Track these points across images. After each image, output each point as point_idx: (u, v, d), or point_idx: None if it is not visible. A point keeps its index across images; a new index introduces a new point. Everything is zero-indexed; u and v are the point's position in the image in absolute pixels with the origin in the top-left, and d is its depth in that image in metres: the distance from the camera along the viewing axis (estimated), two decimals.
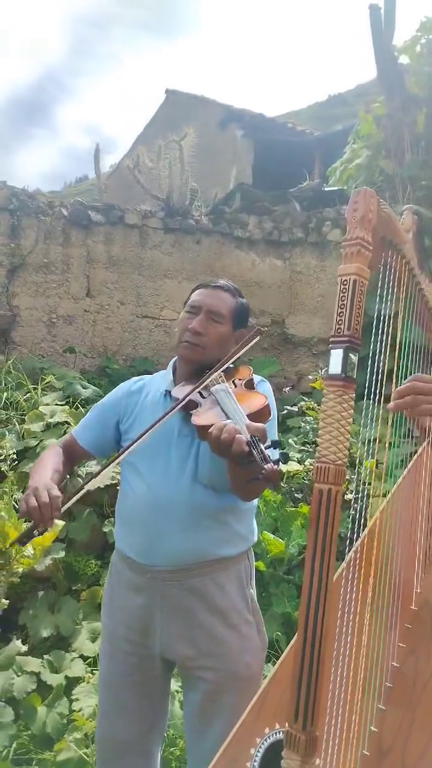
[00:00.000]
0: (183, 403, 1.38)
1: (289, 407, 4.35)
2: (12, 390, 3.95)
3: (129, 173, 5.77)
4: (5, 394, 3.87)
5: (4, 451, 2.81)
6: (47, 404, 3.72)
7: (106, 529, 3.11)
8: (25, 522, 2.75)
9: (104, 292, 5.09)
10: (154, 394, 1.59)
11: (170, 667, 1.55)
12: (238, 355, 1.45)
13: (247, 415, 1.25)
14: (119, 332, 5.17)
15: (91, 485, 1.39)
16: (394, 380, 1.13)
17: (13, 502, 2.67)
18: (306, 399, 4.65)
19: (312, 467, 3.20)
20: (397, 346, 1.12)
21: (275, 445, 1.17)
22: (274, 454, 1.16)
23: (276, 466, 1.12)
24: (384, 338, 1.08)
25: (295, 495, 3.48)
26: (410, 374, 1.30)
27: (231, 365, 1.50)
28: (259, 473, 1.14)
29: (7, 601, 2.41)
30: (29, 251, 4.76)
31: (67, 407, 3.73)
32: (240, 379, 1.46)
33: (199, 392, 1.41)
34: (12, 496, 2.68)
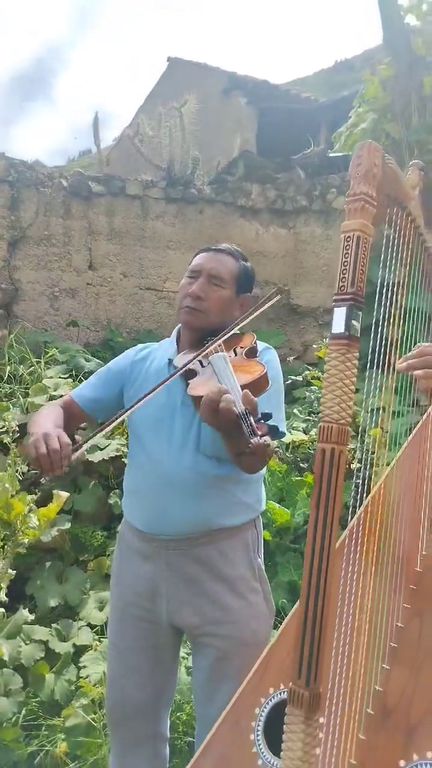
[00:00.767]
0: (180, 372, 1.36)
1: (293, 377, 4.33)
2: (15, 364, 3.94)
3: (131, 145, 5.67)
4: (9, 367, 3.87)
5: (7, 423, 2.81)
6: (51, 377, 3.72)
7: (111, 501, 3.12)
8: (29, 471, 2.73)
9: (107, 265, 5.05)
10: (159, 362, 1.57)
11: (179, 634, 1.56)
12: (245, 322, 1.42)
13: (242, 386, 1.21)
14: (122, 305, 5.14)
15: (98, 438, 1.35)
16: (395, 349, 1.10)
17: (18, 475, 2.67)
18: (311, 369, 4.62)
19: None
20: (400, 313, 1.09)
21: (266, 417, 1.15)
22: (263, 427, 1.13)
23: (264, 440, 1.09)
24: (389, 304, 1.06)
25: (301, 465, 3.48)
26: (417, 342, 1.28)
27: (238, 331, 1.47)
28: (245, 447, 1.11)
29: (14, 571, 2.43)
30: (29, 224, 4.70)
31: (70, 380, 3.73)
32: (241, 347, 1.43)
33: (200, 361, 1.38)
34: (16, 469, 2.69)
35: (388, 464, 1.32)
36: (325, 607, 0.82)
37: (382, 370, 1.13)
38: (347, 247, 0.92)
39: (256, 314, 1.43)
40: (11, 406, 3.41)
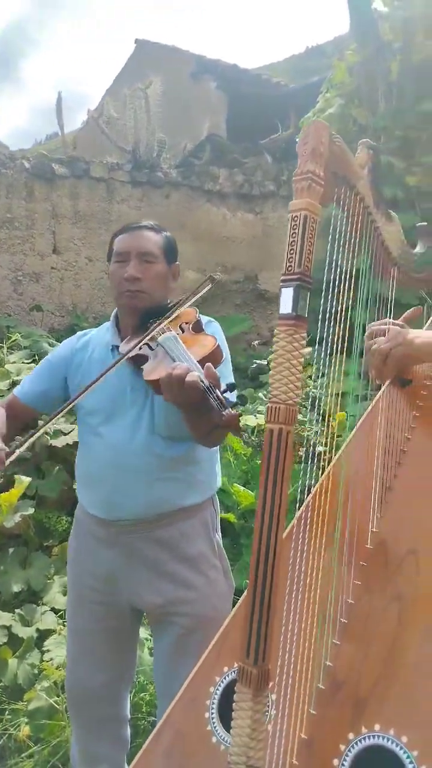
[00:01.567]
0: (126, 357, 1.35)
1: (259, 362, 4.35)
2: None
3: (97, 127, 5.58)
4: None
5: None
6: (13, 362, 3.67)
7: (76, 486, 3.10)
8: None
9: (71, 249, 4.98)
10: (102, 349, 1.55)
11: (138, 616, 1.57)
12: (186, 306, 1.42)
13: (198, 361, 1.22)
14: (88, 289, 5.08)
15: (34, 438, 1.35)
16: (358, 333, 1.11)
17: None
18: None
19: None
20: (356, 297, 1.10)
21: (231, 387, 1.15)
22: (232, 397, 1.14)
23: (235, 411, 1.11)
24: (346, 288, 1.06)
25: None
26: (371, 321, 1.30)
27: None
28: (219, 420, 1.11)
29: None
30: None
31: (33, 365, 3.68)
32: (187, 323, 1.41)
33: (147, 345, 1.37)
34: None
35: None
36: (273, 586, 0.83)
37: (338, 353, 1.14)
38: (294, 227, 0.91)
39: (191, 301, 1.43)
40: None
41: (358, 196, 1.03)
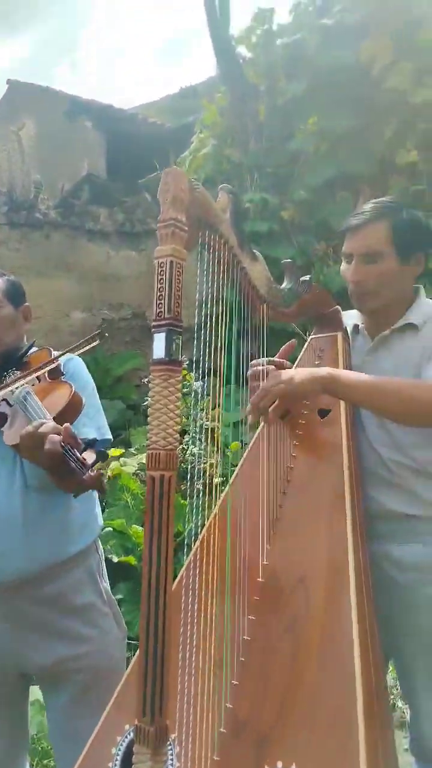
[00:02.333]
0: None
1: (149, 397, 4.32)
2: None
3: None
4: None
5: None
6: None
7: None
8: None
9: None
10: None
11: (27, 679, 1.49)
12: (57, 363, 1.38)
13: (55, 417, 1.16)
14: None
15: None
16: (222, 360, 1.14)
17: None
18: None
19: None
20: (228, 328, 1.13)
21: (91, 444, 1.12)
22: (91, 456, 1.10)
23: (97, 472, 1.08)
24: (233, 323, 1.09)
25: None
26: (246, 354, 1.34)
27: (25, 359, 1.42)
28: (79, 482, 1.08)
29: None
30: None
31: None
32: (42, 369, 1.35)
33: (6, 401, 1.31)
34: None
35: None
36: (166, 641, 0.81)
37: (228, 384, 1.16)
38: (161, 273, 0.93)
39: (76, 353, 1.40)
40: None
41: (222, 239, 1.07)
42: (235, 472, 1.35)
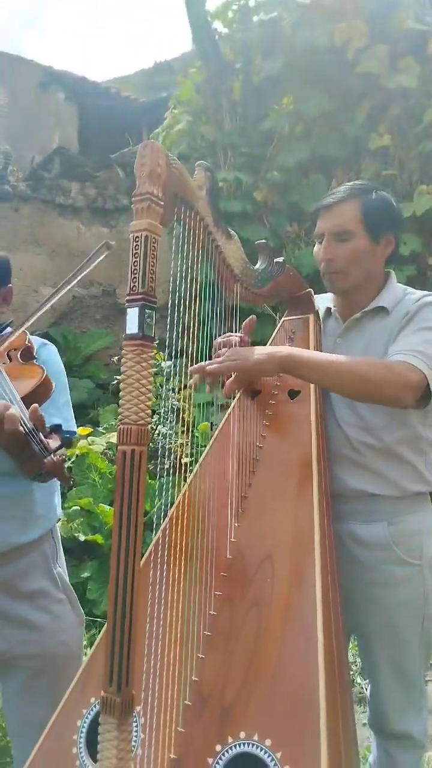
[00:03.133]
0: None
1: (119, 377, 4.30)
2: None
3: None
4: None
5: None
6: None
7: None
8: None
9: None
10: None
11: None
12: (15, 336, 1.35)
13: (23, 397, 1.14)
14: None
15: None
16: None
17: None
18: None
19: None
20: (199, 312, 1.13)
21: (56, 429, 1.10)
22: (55, 441, 1.08)
23: (60, 456, 1.06)
24: (197, 302, 1.09)
25: None
26: (217, 335, 1.34)
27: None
28: (40, 468, 1.06)
29: None
30: None
31: None
32: (15, 350, 1.32)
33: None
34: None
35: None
36: (134, 611, 0.82)
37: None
38: (136, 247, 0.92)
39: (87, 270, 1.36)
40: None
41: (198, 216, 1.06)
42: (204, 452, 1.36)
